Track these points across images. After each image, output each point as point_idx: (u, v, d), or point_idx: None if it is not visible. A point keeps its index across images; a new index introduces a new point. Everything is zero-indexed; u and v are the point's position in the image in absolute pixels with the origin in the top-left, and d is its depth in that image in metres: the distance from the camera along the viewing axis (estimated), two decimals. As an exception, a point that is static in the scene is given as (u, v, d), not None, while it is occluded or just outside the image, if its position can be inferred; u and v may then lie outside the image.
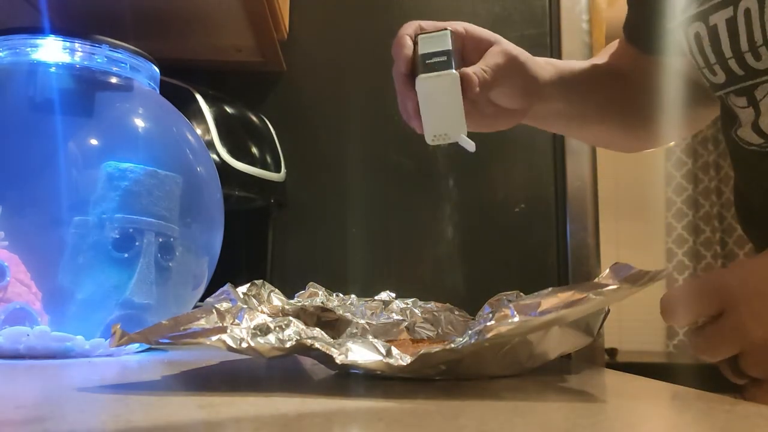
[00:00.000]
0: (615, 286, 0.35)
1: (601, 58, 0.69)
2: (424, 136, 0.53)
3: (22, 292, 0.51)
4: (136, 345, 0.55)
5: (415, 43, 0.55)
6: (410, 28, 0.56)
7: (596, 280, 0.38)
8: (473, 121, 0.58)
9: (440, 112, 0.51)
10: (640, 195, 3.21)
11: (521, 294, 0.56)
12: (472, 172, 1.17)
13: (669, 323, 0.43)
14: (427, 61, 0.52)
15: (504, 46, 0.56)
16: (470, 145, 0.52)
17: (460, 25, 0.57)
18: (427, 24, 0.57)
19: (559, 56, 1.18)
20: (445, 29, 0.54)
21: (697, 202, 3.15)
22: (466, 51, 0.57)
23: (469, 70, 0.53)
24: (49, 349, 0.50)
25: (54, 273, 0.53)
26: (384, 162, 1.19)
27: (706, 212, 3.14)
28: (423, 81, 0.51)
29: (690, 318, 0.42)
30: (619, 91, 0.66)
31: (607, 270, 0.39)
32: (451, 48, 0.52)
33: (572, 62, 0.66)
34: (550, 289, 0.38)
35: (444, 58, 0.51)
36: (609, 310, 0.44)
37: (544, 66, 0.60)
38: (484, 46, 0.56)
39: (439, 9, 1.23)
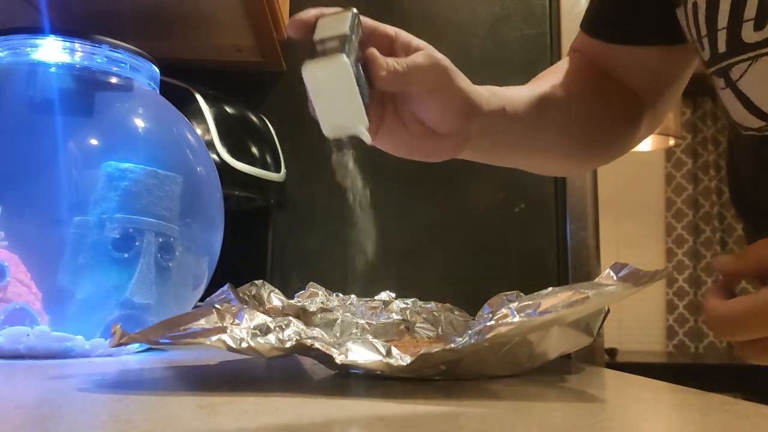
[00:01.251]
0: (615, 286, 0.35)
1: (546, 79, 0.65)
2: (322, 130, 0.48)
3: (22, 292, 0.51)
4: (136, 345, 0.55)
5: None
6: (311, 11, 0.49)
7: (596, 280, 0.38)
8: (399, 143, 0.53)
9: (334, 102, 0.46)
10: (640, 195, 3.22)
11: (521, 294, 0.56)
12: (472, 173, 1.17)
13: (725, 338, 0.41)
14: (318, 48, 0.45)
15: (432, 52, 0.51)
16: (368, 138, 0.48)
17: (391, 29, 0.51)
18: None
19: (559, 56, 1.18)
20: (349, 9, 0.47)
21: (697, 202, 3.16)
22: (394, 54, 0.51)
23: (380, 57, 0.47)
24: (49, 349, 0.50)
25: (54, 273, 0.53)
26: (384, 162, 1.19)
27: (706, 212, 3.14)
28: (307, 68, 0.45)
29: (750, 336, 0.40)
30: (567, 118, 0.64)
31: (607, 270, 0.39)
32: (348, 32, 0.45)
33: (515, 89, 0.61)
34: (550, 289, 0.38)
35: (336, 43, 0.45)
36: (609, 310, 0.44)
37: (484, 94, 0.54)
38: (412, 51, 0.50)
39: (439, 9, 1.23)
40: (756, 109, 0.48)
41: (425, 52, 0.50)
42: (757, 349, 0.40)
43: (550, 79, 0.64)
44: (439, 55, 0.51)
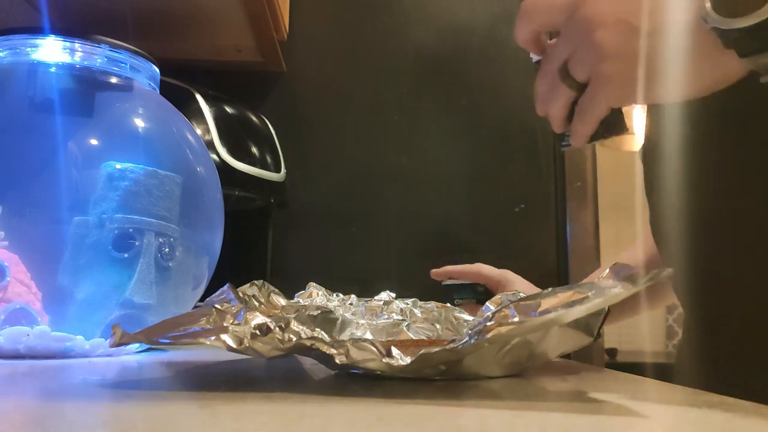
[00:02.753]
0: (615, 286, 0.35)
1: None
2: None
3: (22, 292, 0.51)
4: (136, 345, 0.55)
5: None
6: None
7: (596, 280, 0.38)
8: None
9: None
10: (640, 195, 3.21)
11: (521, 294, 0.56)
12: (472, 173, 1.17)
13: (525, 21, 0.44)
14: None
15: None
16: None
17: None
18: None
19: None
20: None
21: (697, 202, 3.15)
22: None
23: None
24: (49, 349, 0.50)
25: (54, 273, 0.53)
26: (384, 162, 1.19)
27: (706, 212, 3.14)
28: None
29: (547, 17, 0.42)
30: None
31: (607, 270, 0.39)
32: None
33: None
34: (550, 289, 0.38)
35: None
36: (609, 310, 0.44)
37: None
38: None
39: (440, 9, 1.23)
40: None
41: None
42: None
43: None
44: None
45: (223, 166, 0.90)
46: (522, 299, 0.39)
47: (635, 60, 0.39)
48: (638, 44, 0.39)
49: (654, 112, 0.58)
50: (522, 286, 0.62)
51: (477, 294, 0.91)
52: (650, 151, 0.58)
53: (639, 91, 0.40)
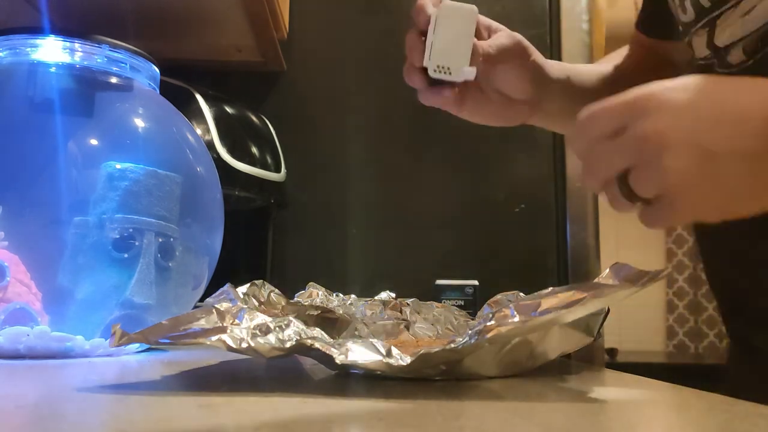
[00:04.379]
0: (615, 286, 0.35)
1: (608, 62, 0.73)
2: (425, 65, 0.53)
3: (22, 292, 0.51)
4: (136, 345, 0.55)
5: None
6: None
7: (596, 280, 0.38)
8: (480, 110, 0.61)
9: (450, 43, 0.53)
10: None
11: (521, 294, 0.56)
12: (473, 173, 1.17)
13: (580, 134, 0.42)
14: None
15: (510, 32, 0.59)
16: (471, 72, 0.53)
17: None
18: None
19: (559, 56, 1.18)
20: None
21: (697, 202, 3.15)
22: (478, 34, 0.59)
23: (476, 41, 0.55)
24: (49, 349, 0.50)
25: (54, 273, 0.53)
26: (384, 162, 1.19)
27: (706, 212, 3.13)
28: (447, 7, 0.52)
29: (599, 130, 0.40)
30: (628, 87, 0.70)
31: (607, 270, 0.39)
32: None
33: (580, 65, 0.69)
34: (550, 289, 0.38)
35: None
36: (609, 310, 0.44)
37: (552, 64, 0.62)
38: (492, 32, 0.59)
39: (439, 9, 1.23)
40: (712, 44, 0.54)
41: (506, 32, 0.59)
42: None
43: (612, 60, 0.72)
44: (516, 34, 0.59)
45: (223, 166, 0.90)
46: (522, 299, 0.39)
47: (706, 183, 0.38)
48: (709, 168, 0.37)
49: None
50: (519, 35, 0.58)
51: (465, 295, 0.91)
52: None
53: (708, 210, 0.39)
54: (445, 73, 0.53)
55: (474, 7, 0.53)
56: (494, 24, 0.60)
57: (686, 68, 0.62)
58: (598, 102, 0.41)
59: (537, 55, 0.60)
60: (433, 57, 0.53)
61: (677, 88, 0.39)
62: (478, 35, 0.58)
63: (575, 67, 0.67)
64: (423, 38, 0.54)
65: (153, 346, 0.51)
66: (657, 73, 0.71)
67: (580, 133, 0.41)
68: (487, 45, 0.56)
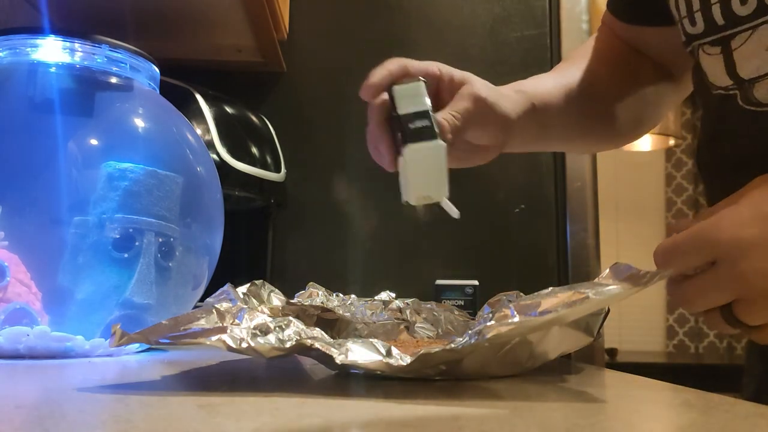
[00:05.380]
0: (615, 286, 0.35)
1: (573, 65, 0.69)
2: (404, 197, 0.53)
3: (22, 292, 0.51)
4: (136, 345, 0.55)
5: (390, 91, 0.55)
6: (383, 71, 0.55)
7: (596, 280, 0.38)
8: (449, 160, 0.58)
9: (425, 177, 0.52)
10: (640, 195, 3.21)
11: (521, 294, 0.56)
12: (473, 173, 1.17)
13: (663, 269, 0.43)
14: (410, 126, 0.52)
15: (474, 87, 0.57)
16: (454, 212, 0.53)
17: (435, 66, 0.57)
18: (402, 66, 0.56)
19: (559, 57, 1.18)
20: (419, 80, 0.54)
21: (698, 202, 3.15)
22: (441, 91, 0.57)
23: (440, 116, 0.54)
24: (49, 349, 0.50)
25: (54, 273, 0.53)
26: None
27: (707, 212, 3.13)
28: (413, 151, 0.51)
29: (685, 266, 0.41)
30: (596, 102, 0.67)
31: (607, 270, 0.38)
32: (429, 107, 0.53)
33: (543, 81, 0.65)
34: (550, 289, 0.38)
35: (427, 123, 0.52)
36: (609, 310, 0.44)
37: (514, 98, 0.60)
38: (456, 86, 0.57)
39: (439, 9, 1.23)
40: (735, 75, 0.51)
41: (470, 90, 0.56)
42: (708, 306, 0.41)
43: (578, 63, 0.68)
44: (479, 86, 0.57)
45: (223, 166, 0.90)
46: (522, 299, 0.39)
47: None
48: None
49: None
50: (481, 87, 0.54)
51: (465, 295, 0.92)
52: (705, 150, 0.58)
53: None
54: (425, 198, 0.53)
55: (440, 143, 0.51)
56: (456, 75, 0.57)
57: (698, 95, 0.58)
58: (670, 238, 0.42)
59: (501, 102, 0.57)
60: (411, 193, 0.52)
61: (747, 222, 0.40)
62: (441, 97, 0.57)
63: (536, 86, 0.63)
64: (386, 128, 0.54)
65: (153, 346, 0.51)
66: (634, 77, 0.68)
67: (664, 268, 0.42)
68: (452, 117, 0.54)
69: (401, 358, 0.37)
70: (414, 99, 0.53)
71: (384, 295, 0.67)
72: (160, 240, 0.57)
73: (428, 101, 0.53)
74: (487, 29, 1.22)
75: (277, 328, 0.40)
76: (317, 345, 0.38)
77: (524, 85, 0.63)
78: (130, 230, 0.55)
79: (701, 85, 0.56)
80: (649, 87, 0.69)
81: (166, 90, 0.69)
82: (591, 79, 0.66)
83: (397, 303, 0.64)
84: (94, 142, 0.58)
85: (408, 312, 0.62)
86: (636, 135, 0.74)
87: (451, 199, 0.54)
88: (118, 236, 0.54)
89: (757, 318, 0.40)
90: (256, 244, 1.08)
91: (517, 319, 0.36)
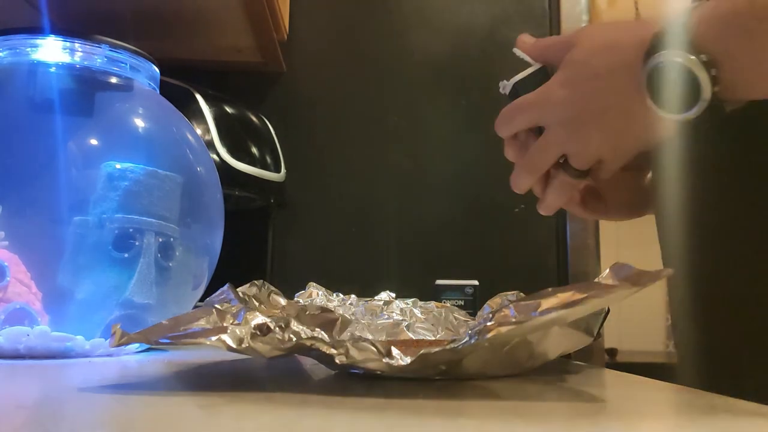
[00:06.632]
0: (615, 286, 0.35)
1: None
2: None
3: (22, 292, 0.51)
4: (136, 345, 0.55)
5: (514, 86, 0.55)
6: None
7: (596, 280, 0.38)
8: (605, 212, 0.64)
9: None
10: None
11: (521, 294, 0.56)
12: (473, 172, 1.17)
13: (501, 133, 0.53)
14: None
15: None
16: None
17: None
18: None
19: (559, 56, 1.18)
20: (540, 66, 0.55)
21: (697, 202, 3.15)
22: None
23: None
24: (49, 349, 0.50)
25: (54, 273, 0.53)
26: (383, 162, 1.19)
27: (706, 212, 3.13)
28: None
29: (517, 123, 0.50)
30: None
31: (607, 270, 0.38)
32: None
33: None
34: (550, 289, 0.38)
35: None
36: (609, 310, 0.44)
37: None
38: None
39: (439, 10, 1.23)
40: None
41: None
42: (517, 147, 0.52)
43: None
44: None
45: (223, 166, 0.90)
46: (522, 299, 0.39)
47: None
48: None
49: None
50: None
51: (465, 295, 0.92)
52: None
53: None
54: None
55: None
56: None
57: None
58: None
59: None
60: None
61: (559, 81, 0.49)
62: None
63: None
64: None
65: (153, 346, 0.51)
66: None
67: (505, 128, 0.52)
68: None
69: (401, 358, 0.37)
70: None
71: (384, 295, 0.67)
72: (160, 240, 0.57)
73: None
74: (486, 30, 1.22)
75: (277, 328, 0.40)
76: (317, 345, 0.38)
77: None
78: (130, 230, 0.55)
79: None
80: None
81: (166, 90, 0.69)
82: None
83: (397, 303, 0.63)
84: (94, 142, 0.58)
85: (408, 312, 0.62)
86: None
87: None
88: (118, 236, 0.54)
89: (583, 159, 0.48)
90: (256, 244, 1.08)
91: (517, 319, 0.36)
